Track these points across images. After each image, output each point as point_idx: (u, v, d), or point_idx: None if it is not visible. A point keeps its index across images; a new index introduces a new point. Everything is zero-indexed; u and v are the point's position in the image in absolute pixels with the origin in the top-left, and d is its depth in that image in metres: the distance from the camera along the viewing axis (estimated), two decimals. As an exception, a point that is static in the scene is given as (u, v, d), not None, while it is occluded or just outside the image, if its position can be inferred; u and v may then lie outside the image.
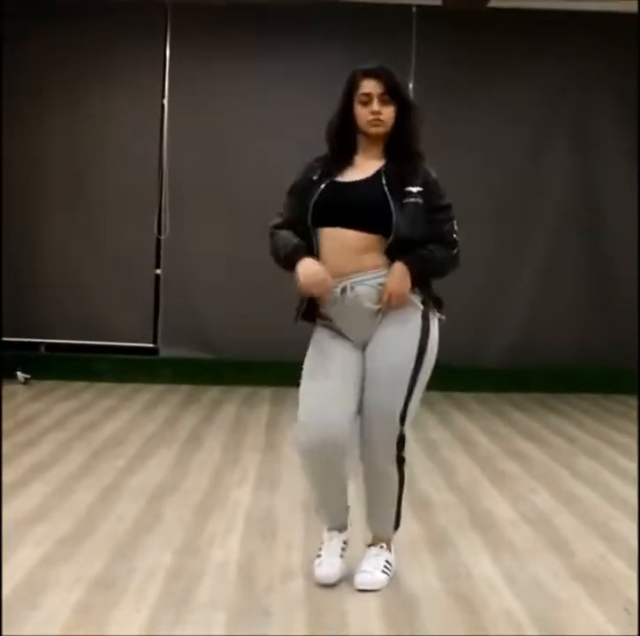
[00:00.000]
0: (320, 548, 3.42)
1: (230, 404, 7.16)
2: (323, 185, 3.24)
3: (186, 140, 8.28)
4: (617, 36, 8.25)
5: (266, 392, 7.68)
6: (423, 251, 3.20)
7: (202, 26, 8.26)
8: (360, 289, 3.16)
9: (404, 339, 3.22)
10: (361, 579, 3.29)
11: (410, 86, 8.26)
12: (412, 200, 3.18)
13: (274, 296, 8.15)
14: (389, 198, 3.16)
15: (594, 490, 4.82)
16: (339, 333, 3.27)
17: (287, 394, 7.47)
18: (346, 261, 3.16)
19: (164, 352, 8.39)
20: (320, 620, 2.98)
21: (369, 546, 3.46)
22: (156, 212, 8.33)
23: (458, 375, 7.91)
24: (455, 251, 3.28)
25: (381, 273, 3.16)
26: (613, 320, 8.43)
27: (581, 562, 3.64)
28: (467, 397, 7.70)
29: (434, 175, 3.32)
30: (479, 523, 4.11)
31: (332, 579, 3.29)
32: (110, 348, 8.34)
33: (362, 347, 3.26)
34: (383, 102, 3.22)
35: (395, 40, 8.30)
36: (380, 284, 3.15)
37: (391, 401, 3.21)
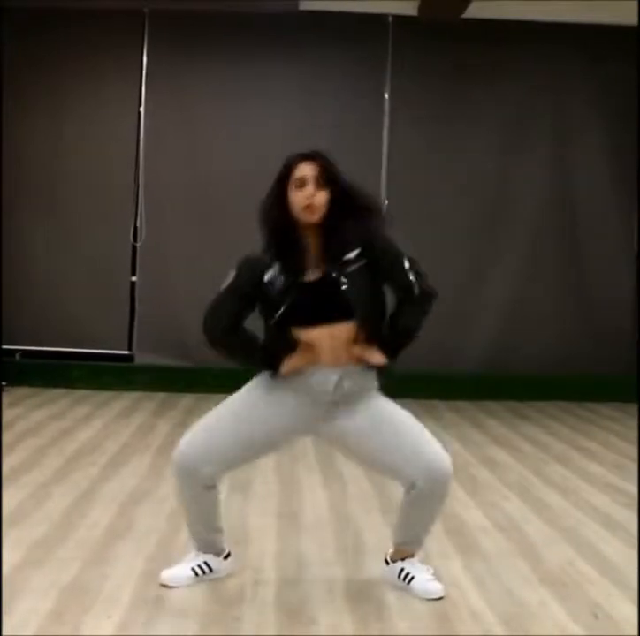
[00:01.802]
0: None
1: (205, 411, 7.11)
2: (289, 290, 3.16)
3: (163, 147, 8.31)
4: (591, 43, 8.42)
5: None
6: (397, 331, 3.23)
7: (179, 34, 8.32)
8: (336, 380, 3.20)
9: (378, 401, 3.30)
10: (434, 588, 3.30)
11: (385, 96, 8.35)
12: (354, 267, 3.15)
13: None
14: (347, 290, 3.13)
15: (564, 497, 4.87)
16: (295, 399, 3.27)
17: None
18: (325, 356, 3.18)
19: (140, 360, 8.40)
20: (291, 625, 3.01)
21: (404, 559, 3.40)
22: (133, 219, 8.34)
23: (431, 383, 7.97)
24: (427, 304, 3.25)
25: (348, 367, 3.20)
26: (590, 328, 8.51)
27: (549, 567, 3.68)
28: (440, 405, 7.75)
29: (385, 240, 3.24)
30: (451, 529, 4.15)
31: (166, 581, 3.34)
32: (85, 355, 8.34)
33: (308, 427, 3.33)
34: (317, 185, 3.16)
35: (371, 49, 8.39)
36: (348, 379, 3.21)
37: (423, 429, 3.28)
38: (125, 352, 8.42)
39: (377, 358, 3.16)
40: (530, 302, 8.48)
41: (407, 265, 3.19)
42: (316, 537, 4.00)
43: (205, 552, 3.42)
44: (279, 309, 3.15)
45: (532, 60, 8.45)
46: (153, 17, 8.31)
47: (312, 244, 3.22)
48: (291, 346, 3.18)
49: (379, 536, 3.97)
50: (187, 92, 8.34)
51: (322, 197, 3.16)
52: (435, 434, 3.28)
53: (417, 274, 3.20)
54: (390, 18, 8.40)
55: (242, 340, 3.34)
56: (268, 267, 3.21)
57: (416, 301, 3.21)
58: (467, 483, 5.06)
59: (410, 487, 3.21)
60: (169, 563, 3.47)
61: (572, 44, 8.45)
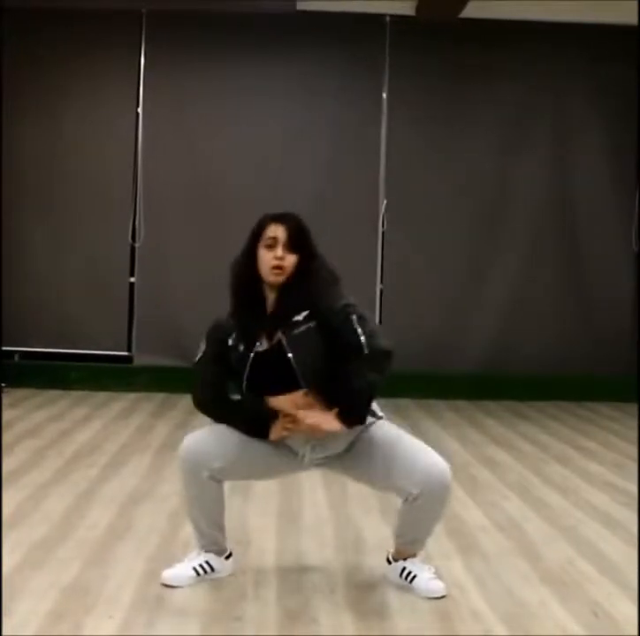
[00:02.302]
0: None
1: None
2: (242, 358, 3.23)
3: (162, 147, 8.31)
4: (590, 43, 8.44)
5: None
6: (349, 393, 3.13)
7: (177, 35, 8.33)
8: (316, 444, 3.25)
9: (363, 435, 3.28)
10: (436, 587, 3.30)
11: (383, 96, 8.36)
12: (301, 329, 3.16)
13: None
14: (292, 363, 3.14)
15: (564, 496, 4.87)
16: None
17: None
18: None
19: (139, 361, 8.40)
20: (292, 625, 3.01)
21: (406, 559, 3.40)
22: (131, 220, 8.34)
23: (431, 383, 7.97)
24: (380, 363, 3.15)
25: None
26: (589, 328, 8.52)
27: (549, 566, 3.68)
28: (439, 405, 7.75)
29: (345, 300, 3.20)
30: (451, 528, 4.14)
31: (168, 581, 3.33)
32: (84, 356, 8.34)
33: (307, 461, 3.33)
34: (287, 248, 3.19)
35: (369, 49, 8.39)
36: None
37: (418, 442, 3.30)
38: (125, 354, 8.42)
39: (334, 425, 3.10)
40: (530, 302, 8.48)
41: (355, 324, 3.13)
42: (317, 537, 4.00)
43: (207, 551, 3.41)
44: (242, 377, 3.22)
45: (530, 60, 8.46)
46: (151, 17, 8.31)
47: (271, 303, 3.27)
48: (270, 414, 3.22)
49: (379, 536, 3.97)
50: (186, 92, 8.34)
51: (290, 260, 3.20)
52: (435, 434, 3.29)
53: (369, 333, 3.13)
54: (387, 19, 8.40)
55: (230, 410, 3.32)
56: (231, 332, 3.29)
57: (367, 360, 3.12)
58: (466, 483, 5.06)
59: (408, 497, 3.21)
60: (170, 562, 3.47)
61: (571, 44, 8.47)
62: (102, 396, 7.75)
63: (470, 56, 8.37)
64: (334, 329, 3.14)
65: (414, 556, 3.41)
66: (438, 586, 3.30)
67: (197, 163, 8.33)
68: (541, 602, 3.27)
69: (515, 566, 3.68)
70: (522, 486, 5.09)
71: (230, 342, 3.27)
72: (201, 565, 3.38)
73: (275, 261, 3.18)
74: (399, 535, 3.42)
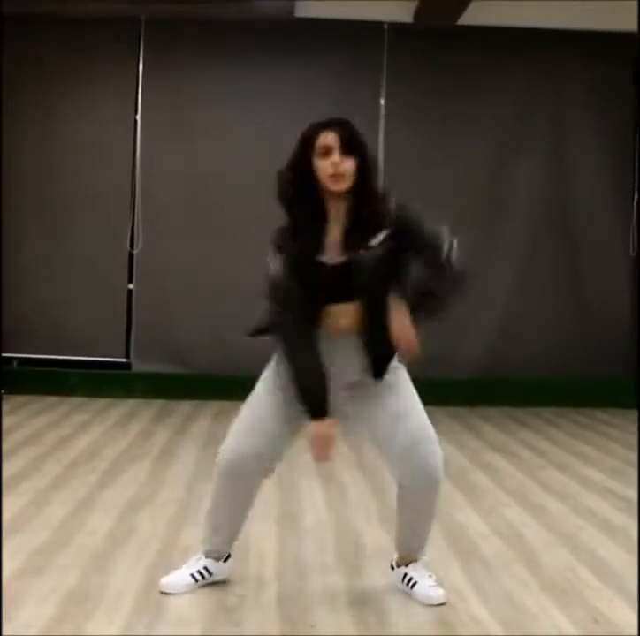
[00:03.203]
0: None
1: (203, 418, 7.18)
2: (315, 266, 3.08)
3: (160, 153, 8.31)
4: (587, 49, 8.48)
5: (239, 406, 7.67)
6: (419, 287, 3.14)
7: (175, 41, 8.32)
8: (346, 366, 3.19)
9: (398, 381, 3.28)
10: (436, 594, 3.30)
11: (381, 102, 8.38)
12: (377, 253, 3.07)
13: (248, 311, 8.20)
14: (372, 271, 3.07)
15: (563, 502, 4.88)
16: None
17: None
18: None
19: (137, 367, 8.40)
20: (292, 631, 3.01)
21: (408, 564, 3.41)
22: (129, 226, 8.35)
23: (428, 389, 7.96)
24: (451, 273, 3.17)
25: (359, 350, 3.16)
26: (587, 333, 8.52)
27: (549, 573, 3.69)
28: (437, 412, 7.73)
29: (405, 211, 3.17)
30: (450, 535, 4.15)
31: (164, 589, 3.32)
32: (82, 363, 8.33)
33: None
34: (343, 154, 3.03)
35: (367, 55, 8.41)
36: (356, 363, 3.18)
37: (424, 420, 3.29)
38: (123, 360, 8.42)
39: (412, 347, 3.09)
40: (527, 307, 8.48)
41: (438, 244, 3.20)
42: (316, 542, 4.01)
43: (207, 556, 3.41)
44: (307, 288, 3.07)
45: (528, 66, 8.48)
46: (149, 23, 8.31)
47: (338, 215, 3.13)
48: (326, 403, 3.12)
49: (379, 541, 3.98)
50: (184, 98, 8.35)
51: (349, 164, 3.04)
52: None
53: (448, 254, 3.18)
54: (385, 26, 8.42)
55: (303, 369, 3.14)
56: (299, 244, 3.11)
57: (442, 270, 3.17)
58: (465, 489, 5.06)
59: (399, 484, 3.29)
60: (169, 569, 3.48)
61: (568, 50, 8.48)
62: (101, 402, 7.75)
63: (468, 63, 8.39)
64: (414, 249, 3.15)
65: (415, 561, 3.42)
66: (437, 594, 3.30)
67: (196, 169, 8.33)
68: (541, 609, 3.27)
69: (515, 573, 3.68)
70: (521, 492, 5.09)
71: (296, 253, 3.11)
72: (199, 571, 3.38)
73: (332, 168, 3.02)
74: (398, 537, 3.45)
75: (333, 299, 3.10)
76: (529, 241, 8.50)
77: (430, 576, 3.39)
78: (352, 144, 3.05)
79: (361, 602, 3.29)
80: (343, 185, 3.05)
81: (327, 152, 3.04)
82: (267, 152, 8.23)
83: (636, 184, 8.68)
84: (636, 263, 8.67)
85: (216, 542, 3.42)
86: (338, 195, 3.09)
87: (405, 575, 3.39)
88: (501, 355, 8.39)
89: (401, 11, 8.24)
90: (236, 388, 8.05)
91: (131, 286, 8.41)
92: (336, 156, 3.02)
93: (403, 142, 8.35)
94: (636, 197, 8.67)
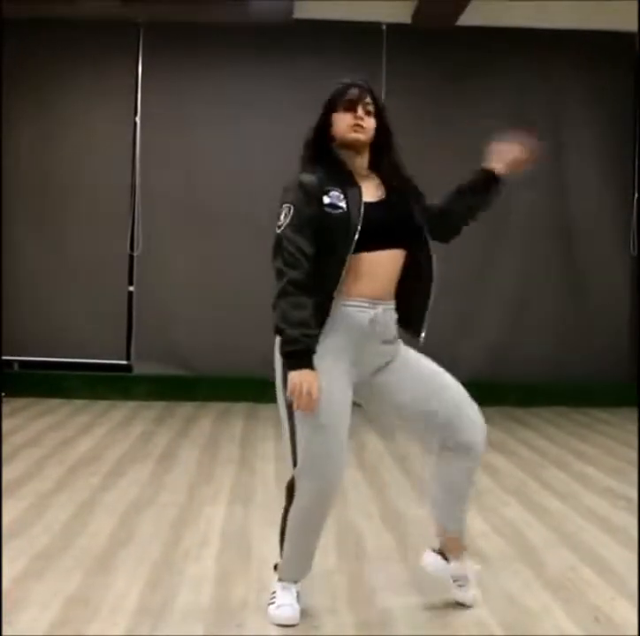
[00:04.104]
0: (273, 597, 3.18)
1: (204, 420, 7.19)
2: (359, 208, 3.01)
3: (160, 156, 8.33)
4: (585, 49, 8.51)
5: (240, 408, 7.72)
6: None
7: (174, 44, 8.35)
8: (387, 317, 3.09)
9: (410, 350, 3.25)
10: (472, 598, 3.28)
11: (381, 103, 8.38)
12: (417, 206, 3.24)
13: (248, 312, 8.21)
14: (415, 214, 3.17)
15: (563, 502, 4.88)
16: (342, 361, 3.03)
17: (261, 410, 7.53)
18: (381, 287, 3.06)
19: (138, 369, 8.41)
20: (294, 631, 3.02)
21: (458, 556, 3.29)
22: (129, 229, 8.36)
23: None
24: None
25: (394, 303, 3.14)
26: (587, 333, 8.55)
27: (551, 572, 3.70)
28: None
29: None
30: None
31: (294, 621, 3.09)
32: (83, 365, 8.34)
33: (357, 379, 3.09)
34: (366, 111, 3.09)
35: (366, 57, 8.41)
36: (393, 316, 3.13)
37: (461, 387, 3.30)
38: (124, 362, 8.43)
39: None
40: (527, 308, 8.50)
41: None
42: (318, 544, 4.00)
43: (296, 581, 3.23)
44: (347, 233, 2.96)
45: (526, 66, 8.50)
46: (148, 26, 8.33)
47: (360, 170, 3.15)
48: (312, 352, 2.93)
49: (380, 542, 3.98)
50: (184, 101, 8.37)
51: (370, 122, 3.11)
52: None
53: None
54: (384, 27, 8.43)
55: (294, 310, 2.89)
56: (323, 189, 3.02)
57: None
58: (466, 489, 5.06)
59: (446, 445, 3.15)
60: (172, 570, 3.48)
61: (567, 50, 8.51)
62: (102, 404, 7.76)
63: (467, 63, 8.40)
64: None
65: (465, 549, 3.31)
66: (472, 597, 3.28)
67: (195, 172, 8.35)
68: (543, 608, 3.28)
69: (516, 572, 3.69)
70: (522, 491, 5.10)
71: (326, 200, 3.00)
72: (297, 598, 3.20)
73: (354, 119, 3.07)
74: (441, 512, 3.27)
75: (373, 243, 3.02)
76: (528, 242, 8.51)
77: (475, 585, 3.31)
78: (375, 104, 3.13)
79: (363, 604, 3.30)
80: (362, 136, 3.08)
81: (351, 106, 3.10)
82: (268, 151, 8.32)
83: (636, 183, 8.69)
84: (636, 263, 8.69)
85: (306, 563, 3.26)
86: (356, 151, 3.12)
87: (458, 576, 3.28)
88: (502, 356, 8.40)
89: (400, 12, 8.26)
90: (237, 389, 8.18)
91: (131, 289, 8.42)
92: (360, 110, 3.08)
93: (402, 142, 8.30)
94: (636, 196, 8.68)
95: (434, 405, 3.14)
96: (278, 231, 2.99)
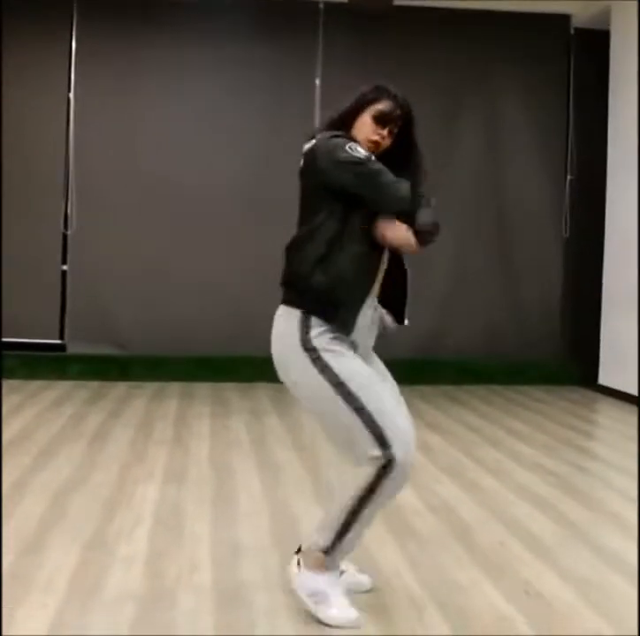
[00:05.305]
0: (322, 597, 2.99)
1: (138, 399, 7.14)
2: None
3: (94, 133, 8.24)
4: (523, 30, 8.61)
5: (174, 388, 7.69)
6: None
7: (109, 19, 8.24)
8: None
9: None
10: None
11: (317, 82, 8.37)
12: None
13: (183, 292, 8.19)
14: None
15: (496, 478, 4.94)
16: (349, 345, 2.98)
17: (195, 389, 7.52)
18: (378, 279, 3.05)
19: (72, 349, 8.33)
20: (227, 610, 3.02)
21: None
22: (63, 207, 8.26)
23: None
24: None
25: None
26: (519, 313, 8.67)
27: (482, 548, 3.74)
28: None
29: None
30: (384, 512, 4.16)
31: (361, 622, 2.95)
32: (17, 345, 8.23)
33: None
34: (390, 131, 3.08)
35: (302, 36, 8.38)
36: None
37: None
38: (58, 342, 8.34)
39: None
40: (462, 288, 8.58)
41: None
42: (252, 524, 4.01)
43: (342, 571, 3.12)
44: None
45: (461, 46, 8.54)
46: (82, 0, 8.21)
47: None
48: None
49: (312, 518, 3.99)
50: (119, 77, 8.28)
51: (388, 141, 3.08)
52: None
53: None
54: (321, 5, 8.41)
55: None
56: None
57: None
58: (400, 467, 5.10)
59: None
60: (104, 550, 3.46)
61: (501, 30, 8.57)
62: (35, 384, 7.67)
63: (404, 44, 8.41)
64: None
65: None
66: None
67: (130, 149, 8.27)
68: (473, 583, 3.32)
69: (448, 548, 3.73)
70: (455, 469, 5.15)
71: None
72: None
73: (376, 136, 3.03)
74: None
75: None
76: (462, 224, 8.57)
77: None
78: (406, 127, 3.14)
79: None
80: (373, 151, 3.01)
81: (383, 121, 3.06)
82: (204, 129, 8.27)
83: (569, 165, 8.79)
84: (568, 244, 8.81)
85: (347, 553, 3.07)
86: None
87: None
88: (437, 336, 8.48)
89: (337, -9, 8.24)
90: (171, 369, 8.15)
91: (65, 267, 8.32)
92: (386, 131, 3.05)
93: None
94: (568, 178, 8.78)
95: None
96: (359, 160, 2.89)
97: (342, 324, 2.92)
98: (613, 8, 8.24)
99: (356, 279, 2.92)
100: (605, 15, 8.33)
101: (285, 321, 2.96)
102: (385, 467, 2.82)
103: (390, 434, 2.82)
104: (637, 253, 7.61)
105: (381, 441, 2.81)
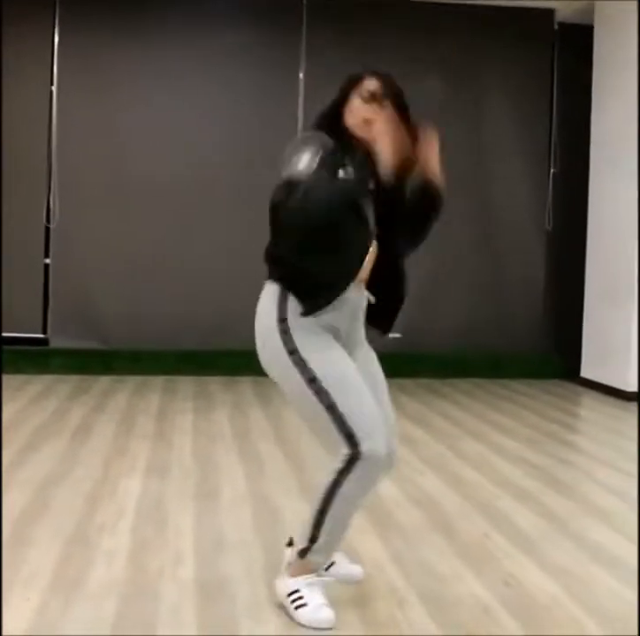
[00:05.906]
0: (299, 597, 2.95)
1: (120, 393, 7.12)
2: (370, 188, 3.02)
3: (77, 126, 8.19)
4: (505, 24, 8.65)
5: (157, 381, 7.68)
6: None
7: (92, 12, 8.19)
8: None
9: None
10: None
11: (300, 75, 8.36)
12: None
13: (166, 286, 8.17)
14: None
15: (478, 471, 4.96)
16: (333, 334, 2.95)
17: (178, 383, 7.51)
18: (365, 265, 3.09)
19: (54, 343, 8.29)
20: (210, 604, 3.02)
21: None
22: (45, 200, 8.22)
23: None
24: None
25: None
26: (502, 306, 8.70)
27: (465, 540, 3.76)
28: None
29: None
30: (367, 505, 4.17)
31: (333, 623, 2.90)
32: (-2, 339, 8.21)
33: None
34: (382, 106, 3.00)
35: (286, 28, 8.37)
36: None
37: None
38: (40, 336, 8.31)
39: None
40: (444, 280, 8.58)
41: None
42: (235, 517, 4.01)
43: (319, 574, 3.02)
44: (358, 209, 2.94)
45: (445, 39, 8.54)
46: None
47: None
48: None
49: (297, 515, 3.99)
50: (102, 69, 8.22)
51: (385, 116, 2.99)
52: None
53: None
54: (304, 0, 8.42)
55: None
56: (343, 164, 2.91)
57: None
58: (383, 460, 5.11)
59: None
60: (87, 544, 3.45)
61: (487, 25, 8.58)
62: (17, 378, 7.64)
63: (388, 38, 8.40)
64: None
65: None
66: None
67: (113, 142, 8.23)
68: (456, 574, 3.33)
69: (431, 540, 3.74)
70: (438, 462, 5.17)
71: (341, 173, 2.89)
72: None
73: (368, 113, 2.98)
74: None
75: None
76: (444, 216, 8.53)
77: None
78: (398, 99, 3.11)
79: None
80: (370, 134, 2.96)
81: (372, 98, 3.02)
82: (187, 122, 8.25)
83: (552, 157, 8.82)
84: (551, 236, 8.83)
85: (328, 551, 3.00)
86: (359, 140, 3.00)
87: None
88: (418, 329, 8.47)
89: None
90: (154, 363, 8.13)
91: (47, 261, 8.28)
92: (376, 106, 3.01)
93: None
94: (551, 171, 8.81)
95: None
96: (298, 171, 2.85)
97: (321, 302, 2.86)
98: (596, 3, 8.27)
99: (341, 257, 2.91)
100: (589, 10, 8.35)
101: (265, 298, 2.92)
102: (350, 463, 2.79)
103: (359, 432, 2.78)
104: (638, 249, 7.60)
105: (349, 438, 2.78)
